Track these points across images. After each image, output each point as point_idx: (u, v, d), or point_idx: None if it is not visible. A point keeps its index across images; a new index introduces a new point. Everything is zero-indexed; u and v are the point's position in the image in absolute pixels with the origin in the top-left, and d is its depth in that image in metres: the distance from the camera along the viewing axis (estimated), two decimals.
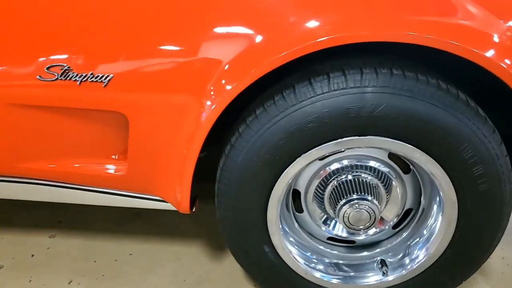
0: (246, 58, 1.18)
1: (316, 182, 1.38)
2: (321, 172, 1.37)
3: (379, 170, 1.36)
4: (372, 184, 1.34)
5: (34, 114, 1.30)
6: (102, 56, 1.23)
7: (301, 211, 1.45)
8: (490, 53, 1.14)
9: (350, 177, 1.35)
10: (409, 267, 1.36)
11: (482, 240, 1.31)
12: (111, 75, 1.22)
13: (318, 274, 1.39)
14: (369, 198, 1.31)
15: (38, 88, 1.25)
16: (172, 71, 1.21)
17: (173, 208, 1.42)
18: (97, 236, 1.82)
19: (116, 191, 1.47)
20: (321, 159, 1.34)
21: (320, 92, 1.18)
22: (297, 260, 1.38)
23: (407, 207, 1.42)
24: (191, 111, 1.23)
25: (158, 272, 1.65)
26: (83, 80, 1.23)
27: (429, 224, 1.37)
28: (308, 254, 1.43)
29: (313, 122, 1.18)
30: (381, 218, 1.41)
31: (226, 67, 1.19)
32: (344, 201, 1.32)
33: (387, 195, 1.36)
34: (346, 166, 1.36)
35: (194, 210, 1.46)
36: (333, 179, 1.36)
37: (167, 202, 1.42)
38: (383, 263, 1.42)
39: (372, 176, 1.35)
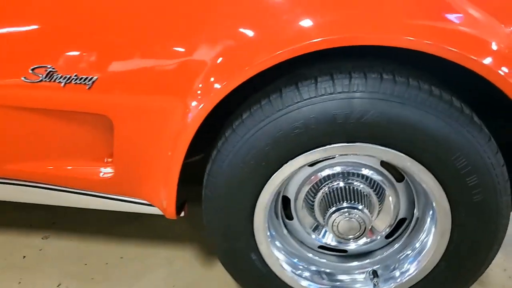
0: (238, 56, 1.14)
1: (306, 189, 1.34)
2: (312, 178, 1.33)
3: (371, 179, 1.31)
4: (364, 192, 1.29)
5: (19, 115, 1.29)
6: (86, 57, 1.21)
7: (291, 218, 1.41)
8: (488, 61, 1.09)
9: (341, 184, 1.31)
10: (399, 280, 1.31)
11: (477, 253, 1.25)
12: (95, 77, 1.20)
13: (305, 283, 1.35)
14: (360, 207, 1.27)
15: (23, 89, 1.24)
16: (156, 73, 1.19)
17: (161, 213, 1.40)
18: (90, 238, 1.81)
19: (105, 195, 1.45)
20: (311, 165, 1.30)
21: (307, 97, 1.14)
22: (285, 268, 1.34)
23: (400, 216, 1.37)
24: (176, 111, 1.20)
25: (148, 276, 1.63)
26: (67, 81, 1.21)
27: (422, 235, 1.32)
28: (295, 260, 1.38)
29: (299, 128, 1.15)
30: (373, 228, 1.36)
31: (215, 66, 1.16)
32: (334, 208, 1.28)
33: (379, 204, 1.32)
34: (338, 173, 1.32)
35: (183, 215, 1.44)
36: (324, 186, 1.32)
37: (154, 206, 1.40)
38: (374, 274, 1.37)
39: (365, 184, 1.30)
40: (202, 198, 1.32)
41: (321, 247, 1.44)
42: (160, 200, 1.33)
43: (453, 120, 1.12)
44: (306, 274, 1.36)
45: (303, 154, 1.18)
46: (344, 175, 1.32)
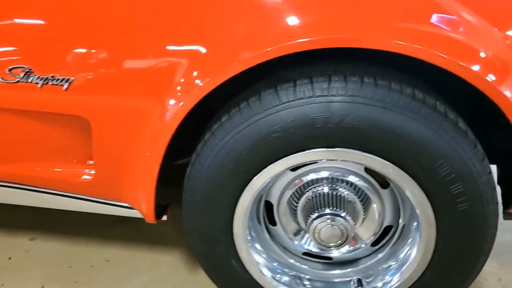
0: (226, 51, 1.12)
1: (289, 193, 1.31)
2: (296, 182, 1.30)
3: (356, 185, 1.27)
4: (348, 199, 1.25)
5: None
6: (63, 58, 1.19)
7: (275, 224, 1.38)
8: (476, 68, 1.06)
9: (326, 189, 1.27)
10: None
11: (463, 264, 1.21)
12: (72, 78, 1.18)
13: None
14: (343, 214, 1.23)
15: (0, 90, 1.23)
16: (131, 72, 1.17)
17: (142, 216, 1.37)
18: (77, 240, 1.80)
19: (87, 197, 1.43)
20: (294, 170, 1.27)
21: (286, 100, 1.11)
22: (265, 274, 1.30)
23: (386, 224, 1.33)
24: (153, 111, 1.18)
25: (132, 280, 1.61)
26: (44, 82, 1.20)
27: (407, 244, 1.27)
28: (275, 264, 1.35)
29: (277, 131, 1.12)
30: (357, 236, 1.32)
31: (198, 61, 1.13)
32: (316, 214, 1.25)
33: (364, 212, 1.28)
34: (323, 178, 1.28)
35: (166, 218, 1.42)
36: (308, 191, 1.29)
37: (135, 210, 1.38)
38: (359, 282, 1.33)
39: (349, 190, 1.27)
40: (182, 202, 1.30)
41: (305, 254, 1.40)
42: (139, 202, 1.31)
43: (436, 126, 1.08)
44: (285, 278, 1.33)
45: (282, 159, 1.15)
46: (329, 181, 1.28)
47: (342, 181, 1.28)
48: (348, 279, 1.33)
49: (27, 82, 1.20)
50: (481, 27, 1.14)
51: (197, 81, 1.13)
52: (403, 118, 1.07)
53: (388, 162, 1.12)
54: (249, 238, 1.28)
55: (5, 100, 1.24)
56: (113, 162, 1.29)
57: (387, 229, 1.35)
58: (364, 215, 1.28)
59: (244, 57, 1.10)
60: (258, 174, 1.18)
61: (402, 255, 1.28)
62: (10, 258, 1.71)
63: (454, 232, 1.16)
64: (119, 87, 1.18)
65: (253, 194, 1.21)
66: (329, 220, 1.23)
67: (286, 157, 1.15)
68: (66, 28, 1.19)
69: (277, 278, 1.31)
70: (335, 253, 1.36)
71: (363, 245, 1.34)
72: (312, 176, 1.29)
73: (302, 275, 1.34)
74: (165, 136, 1.17)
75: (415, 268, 1.23)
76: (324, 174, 1.28)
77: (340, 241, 1.23)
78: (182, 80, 1.14)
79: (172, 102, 1.15)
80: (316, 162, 1.25)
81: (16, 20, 1.22)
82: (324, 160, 1.21)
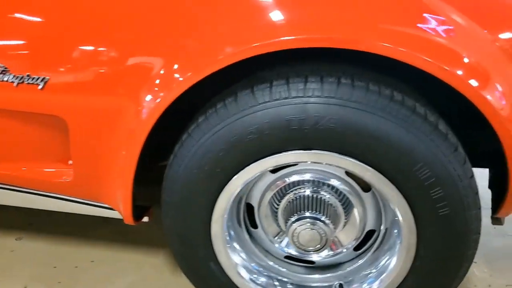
0: (206, 46, 1.10)
1: (269, 196, 1.29)
2: (278, 183, 1.27)
3: (337, 188, 1.25)
4: (329, 202, 1.23)
5: None
6: (38, 57, 1.18)
7: (256, 226, 1.36)
8: (460, 72, 1.03)
9: (307, 192, 1.25)
10: None
11: (446, 270, 1.17)
12: (47, 77, 1.17)
13: None
14: (323, 218, 1.21)
15: None
16: (106, 70, 1.15)
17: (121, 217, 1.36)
18: (63, 240, 1.78)
19: (70, 197, 1.42)
20: (274, 171, 1.25)
21: (262, 101, 1.09)
22: (244, 277, 1.28)
23: (368, 228, 1.30)
24: (128, 108, 1.16)
25: (115, 281, 1.59)
26: (20, 81, 1.19)
27: (387, 249, 1.25)
28: (253, 265, 1.32)
29: (253, 133, 1.09)
30: (338, 240, 1.29)
31: (179, 55, 1.12)
32: (295, 217, 1.22)
33: (345, 216, 1.25)
34: (304, 181, 1.26)
35: (147, 220, 1.40)
36: (290, 193, 1.26)
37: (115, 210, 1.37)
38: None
39: (331, 193, 1.24)
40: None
41: (287, 257, 1.38)
42: (117, 203, 1.29)
43: (415, 128, 1.05)
44: (262, 280, 1.30)
45: (259, 161, 1.13)
46: (311, 183, 1.26)
47: (324, 184, 1.25)
48: (328, 284, 1.30)
49: (2, 81, 1.19)
50: (469, 30, 1.11)
51: (177, 75, 1.10)
52: (381, 120, 1.05)
53: (366, 165, 1.09)
54: (227, 238, 1.26)
55: None
56: (91, 162, 1.27)
57: (371, 233, 1.32)
58: (346, 219, 1.26)
59: (228, 52, 1.08)
60: (235, 176, 1.16)
61: (383, 261, 1.25)
62: None
63: (436, 237, 1.13)
64: (94, 85, 1.16)
65: (231, 196, 1.19)
66: (308, 224, 1.20)
67: (262, 159, 1.13)
68: (41, 27, 1.18)
69: (253, 279, 1.29)
70: (315, 257, 1.33)
71: (344, 250, 1.32)
72: (294, 178, 1.26)
73: (280, 277, 1.32)
74: (141, 134, 1.15)
75: (397, 273, 1.20)
76: (307, 176, 1.26)
77: (319, 245, 1.20)
78: (162, 73, 1.12)
79: (148, 98, 1.13)
80: (296, 164, 1.22)
81: None
82: (309, 162, 1.18)
